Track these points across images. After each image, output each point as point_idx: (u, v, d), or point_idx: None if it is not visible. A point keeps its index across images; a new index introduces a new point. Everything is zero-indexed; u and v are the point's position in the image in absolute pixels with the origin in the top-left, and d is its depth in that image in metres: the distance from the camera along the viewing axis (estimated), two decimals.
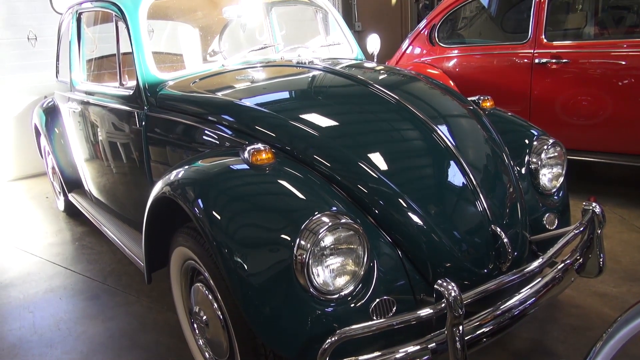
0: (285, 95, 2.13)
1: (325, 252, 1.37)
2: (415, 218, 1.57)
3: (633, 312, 1.52)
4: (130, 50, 2.33)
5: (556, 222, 2.01)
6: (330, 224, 1.35)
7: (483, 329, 1.48)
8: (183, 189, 1.63)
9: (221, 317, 1.64)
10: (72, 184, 3.59)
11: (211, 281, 1.62)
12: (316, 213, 1.39)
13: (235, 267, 1.39)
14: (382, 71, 2.40)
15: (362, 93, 2.01)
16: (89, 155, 3.11)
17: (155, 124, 2.20)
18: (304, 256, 1.33)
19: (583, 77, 3.45)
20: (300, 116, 1.83)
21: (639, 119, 3.28)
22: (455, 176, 1.71)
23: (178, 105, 2.12)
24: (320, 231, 1.33)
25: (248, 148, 1.59)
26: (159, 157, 2.22)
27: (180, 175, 1.70)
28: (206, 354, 1.88)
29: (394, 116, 1.88)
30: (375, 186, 1.61)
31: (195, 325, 1.88)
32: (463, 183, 1.69)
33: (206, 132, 1.97)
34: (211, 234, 1.45)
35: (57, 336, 2.35)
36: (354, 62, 2.64)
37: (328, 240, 1.37)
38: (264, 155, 1.57)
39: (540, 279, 1.68)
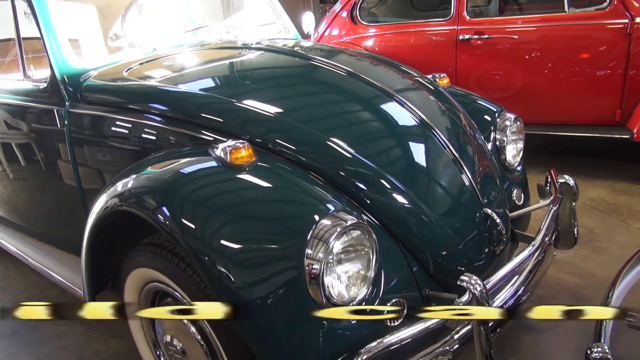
0: (237, 78, 1.89)
1: (335, 259, 1.21)
2: (407, 203, 1.45)
3: (618, 283, 1.56)
4: (35, 35, 1.92)
5: (522, 196, 2.02)
6: (338, 229, 1.18)
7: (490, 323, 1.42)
8: (144, 199, 1.36)
9: (202, 342, 1.40)
10: None
11: (187, 301, 1.38)
12: (317, 218, 1.22)
13: (220, 277, 1.18)
14: (333, 50, 2.24)
15: (326, 72, 1.85)
16: None
17: (82, 122, 1.84)
18: (316, 267, 1.15)
19: (505, 51, 3.57)
20: (261, 101, 1.62)
21: (555, 90, 3.48)
22: (439, 153, 1.62)
23: (111, 98, 1.78)
24: (331, 239, 1.16)
25: (222, 145, 1.36)
26: (89, 160, 1.86)
27: (134, 184, 1.42)
28: None
29: (360, 93, 1.75)
30: (359, 170, 1.47)
31: (163, 359, 1.61)
32: (448, 161, 1.61)
33: (150, 126, 1.68)
34: (189, 245, 1.23)
35: None
36: (298, 41, 2.45)
37: (338, 246, 1.20)
38: (243, 152, 1.34)
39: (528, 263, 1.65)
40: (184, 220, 1.26)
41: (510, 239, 1.78)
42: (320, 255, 1.15)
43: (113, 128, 1.77)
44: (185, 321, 1.43)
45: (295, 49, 2.10)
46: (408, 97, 1.74)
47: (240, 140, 1.38)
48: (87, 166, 1.87)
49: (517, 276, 1.58)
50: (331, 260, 1.18)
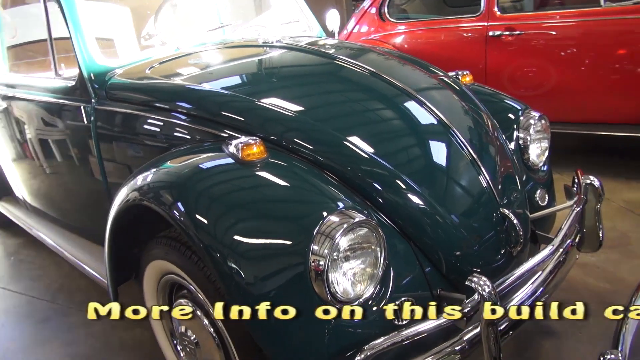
0: (257, 78, 1.91)
1: (341, 256, 1.21)
2: (420, 203, 1.44)
3: None
4: (64, 35, 2.01)
5: (546, 197, 1.96)
6: (345, 225, 1.18)
7: (504, 324, 1.40)
8: (161, 194, 1.40)
9: (215, 335, 1.43)
10: None
11: (200, 295, 1.42)
12: (325, 214, 1.22)
13: (231, 274, 1.21)
14: (354, 48, 2.23)
15: (343, 71, 1.85)
16: (19, 158, 2.72)
17: (107, 119, 1.91)
18: (321, 263, 1.16)
19: (537, 48, 3.47)
20: (279, 99, 1.64)
21: (589, 87, 3.36)
22: (455, 153, 1.59)
23: (134, 96, 1.84)
24: (337, 235, 1.17)
25: (234, 142, 1.38)
26: (114, 156, 1.93)
27: (152, 179, 1.46)
28: None
29: (379, 92, 1.74)
30: (374, 169, 1.46)
31: (179, 348, 1.66)
32: (465, 161, 1.58)
33: (171, 123, 1.72)
34: (200, 239, 1.25)
35: None
36: (320, 39, 2.45)
37: (344, 242, 1.21)
38: (255, 149, 1.36)
39: (546, 264, 1.60)
40: (195, 216, 1.28)
41: (530, 240, 1.74)
42: (326, 251, 1.15)
43: (136, 125, 1.83)
44: (199, 313, 1.47)
45: (316, 47, 2.10)
46: (428, 97, 1.71)
47: (253, 137, 1.40)
48: (112, 161, 1.94)
49: (535, 277, 1.54)
50: (336, 257, 1.18)
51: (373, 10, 4.39)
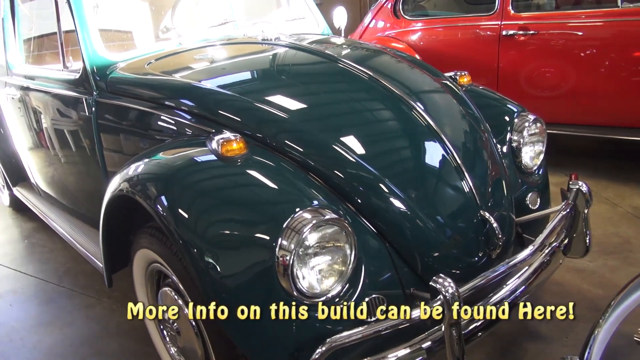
0: (251, 75, 1.95)
1: (309, 252, 1.24)
2: (400, 205, 1.46)
3: (624, 295, 1.48)
4: (73, 28, 2.09)
5: (538, 201, 1.95)
6: (314, 221, 1.22)
7: (475, 324, 1.41)
8: (144, 185, 1.46)
9: (194, 323, 1.49)
10: (16, 176, 3.29)
11: (180, 285, 1.47)
12: (297, 209, 1.25)
13: (206, 268, 1.25)
14: (352, 47, 2.25)
15: (336, 71, 1.86)
16: (34, 147, 2.84)
17: (107, 111, 1.98)
18: (287, 258, 1.19)
19: (551, 48, 3.41)
20: (269, 99, 1.67)
21: (602, 90, 3.28)
22: (439, 157, 1.60)
23: (132, 90, 1.90)
24: (304, 230, 1.20)
25: (216, 137, 1.42)
26: (112, 147, 2.01)
27: (139, 170, 1.52)
28: None
29: (369, 94, 1.75)
30: (355, 172, 1.48)
31: (165, 333, 1.72)
32: (448, 164, 1.58)
33: (165, 118, 1.78)
34: (177, 233, 1.30)
35: (9, 348, 2.14)
36: (321, 37, 2.47)
37: (312, 238, 1.24)
38: (234, 145, 1.40)
39: (527, 265, 1.61)
40: (174, 211, 1.33)
41: (518, 243, 1.74)
42: (292, 246, 1.19)
43: (133, 118, 1.89)
44: (181, 302, 1.53)
45: (315, 46, 2.10)
46: (420, 102, 1.70)
47: (234, 134, 1.44)
48: (111, 152, 2.01)
49: (514, 277, 1.55)
50: (302, 252, 1.21)
51: (389, 5, 4.37)
